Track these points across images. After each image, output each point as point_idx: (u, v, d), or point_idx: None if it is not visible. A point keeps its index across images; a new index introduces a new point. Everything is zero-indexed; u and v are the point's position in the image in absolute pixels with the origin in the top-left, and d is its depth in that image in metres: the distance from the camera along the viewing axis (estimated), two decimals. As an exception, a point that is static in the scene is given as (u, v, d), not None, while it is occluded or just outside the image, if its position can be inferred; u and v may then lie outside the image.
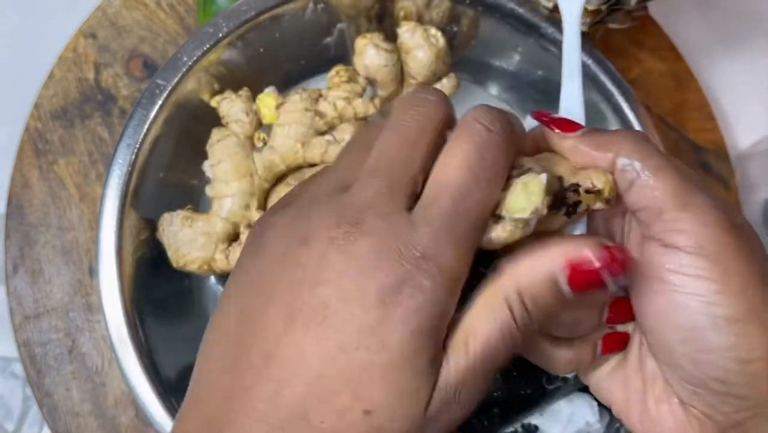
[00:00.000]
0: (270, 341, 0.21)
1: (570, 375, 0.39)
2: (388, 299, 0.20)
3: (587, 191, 0.24)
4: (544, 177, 0.23)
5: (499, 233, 0.23)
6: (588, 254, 0.22)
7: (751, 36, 0.58)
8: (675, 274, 0.23)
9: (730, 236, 0.23)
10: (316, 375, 0.20)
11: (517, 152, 0.24)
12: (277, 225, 0.23)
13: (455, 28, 0.45)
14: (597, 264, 0.22)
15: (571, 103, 0.31)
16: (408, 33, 0.41)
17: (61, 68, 0.50)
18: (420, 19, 0.44)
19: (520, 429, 0.40)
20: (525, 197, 0.22)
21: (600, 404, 0.41)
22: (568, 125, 0.26)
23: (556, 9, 0.43)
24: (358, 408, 0.20)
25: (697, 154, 0.53)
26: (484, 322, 0.22)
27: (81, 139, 0.49)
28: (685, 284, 0.23)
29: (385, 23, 0.44)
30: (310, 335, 0.20)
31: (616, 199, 0.25)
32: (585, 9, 0.42)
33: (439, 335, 0.21)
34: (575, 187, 0.24)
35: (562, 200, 0.24)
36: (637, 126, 0.42)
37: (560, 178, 0.24)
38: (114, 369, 0.46)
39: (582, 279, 0.22)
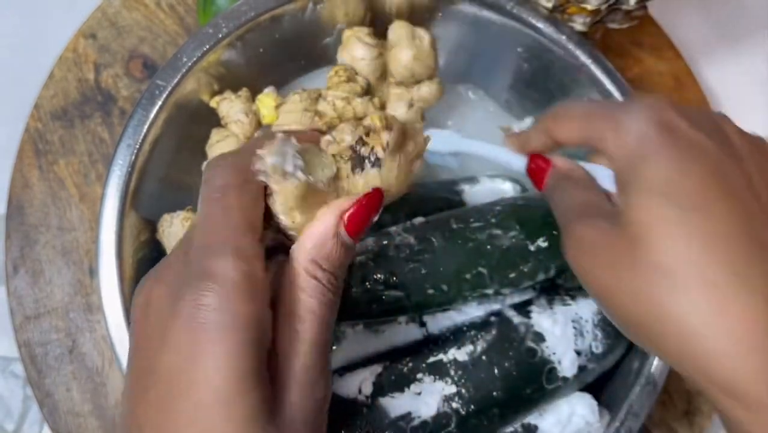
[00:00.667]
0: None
1: (570, 375, 0.39)
2: (192, 336, 0.23)
3: (367, 134, 0.27)
4: (279, 134, 0.25)
5: (278, 196, 0.25)
6: (353, 201, 0.26)
7: (750, 35, 0.58)
8: None
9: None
10: None
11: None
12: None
13: (449, 27, 0.45)
14: (364, 203, 0.26)
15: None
16: (394, 31, 0.41)
17: (61, 69, 0.50)
18: (410, 19, 0.43)
19: (519, 429, 0.40)
20: (272, 148, 0.25)
21: (600, 404, 0.41)
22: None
23: (555, 9, 0.43)
24: None
25: (696, 153, 0.53)
26: (300, 305, 0.24)
27: (81, 140, 0.50)
28: None
29: (378, 25, 0.44)
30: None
31: (396, 125, 0.28)
32: (585, 9, 0.42)
33: (256, 339, 0.23)
34: (360, 139, 0.27)
35: (360, 159, 0.27)
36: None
37: (351, 147, 0.27)
38: (114, 369, 0.46)
39: (357, 223, 0.26)
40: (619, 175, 0.27)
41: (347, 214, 0.26)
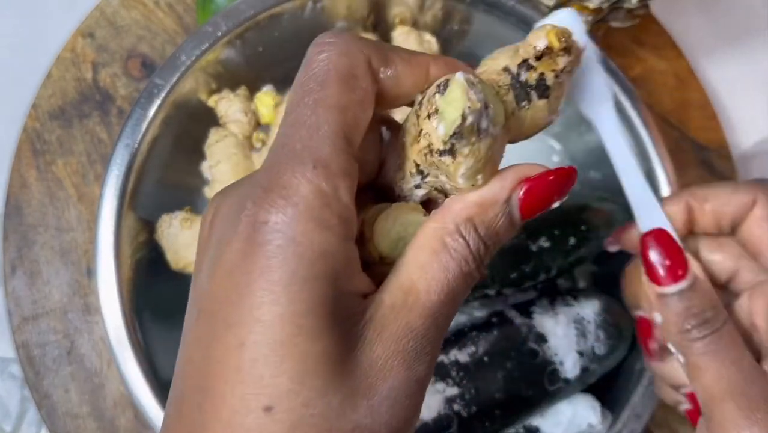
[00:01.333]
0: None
1: (572, 376, 0.39)
2: (249, 246, 0.19)
3: (538, 57, 0.21)
4: (459, 75, 0.19)
5: (462, 163, 0.20)
6: (541, 172, 0.21)
7: (753, 34, 0.58)
8: None
9: None
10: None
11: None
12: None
13: (449, 27, 0.45)
14: (552, 177, 0.21)
15: (645, 205, 0.28)
16: (402, 36, 0.41)
17: (59, 68, 0.50)
18: (415, 25, 0.44)
19: (521, 431, 0.40)
20: (452, 110, 0.19)
21: (602, 405, 0.40)
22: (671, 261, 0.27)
23: (556, 7, 0.43)
24: None
25: (699, 153, 0.53)
26: (434, 264, 0.20)
27: (79, 140, 0.49)
28: None
29: (380, 30, 0.44)
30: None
31: (576, 46, 0.22)
32: (586, 7, 0.42)
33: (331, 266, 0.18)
34: (525, 64, 0.21)
35: (525, 87, 0.21)
36: (639, 125, 0.42)
37: (506, 69, 0.22)
38: (113, 370, 0.46)
39: (534, 199, 0.21)
40: None
41: (527, 186, 0.21)
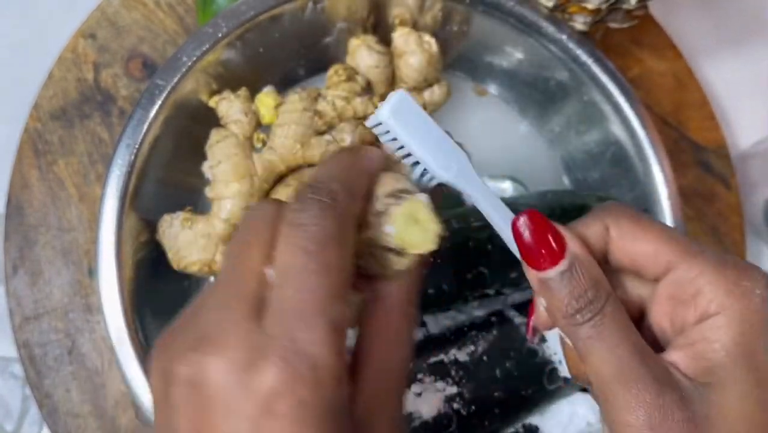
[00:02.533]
0: None
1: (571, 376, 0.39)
2: (261, 428, 0.19)
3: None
4: (423, 198, 0.23)
5: (405, 263, 0.23)
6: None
7: (751, 35, 0.58)
8: None
9: None
10: None
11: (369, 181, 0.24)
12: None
13: (448, 27, 0.45)
14: None
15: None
16: (402, 38, 0.41)
17: (61, 68, 0.50)
18: (414, 26, 0.44)
19: (521, 430, 0.40)
20: (419, 231, 0.23)
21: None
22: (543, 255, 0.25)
23: (556, 8, 0.43)
24: None
25: (697, 153, 0.53)
26: (396, 351, 0.23)
27: (80, 140, 0.49)
28: None
29: (380, 31, 0.44)
30: None
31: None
32: (585, 8, 0.42)
33: (342, 425, 0.20)
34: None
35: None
36: (637, 125, 0.42)
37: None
38: (114, 370, 0.46)
39: None
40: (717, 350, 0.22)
41: None
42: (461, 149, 0.28)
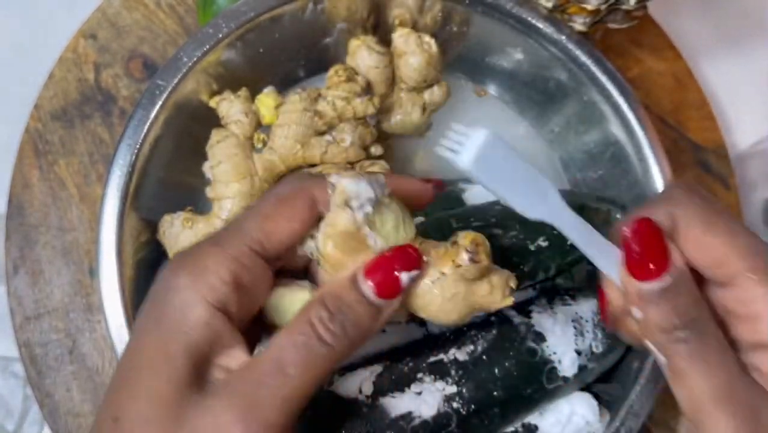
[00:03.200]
0: None
1: (570, 375, 0.39)
2: None
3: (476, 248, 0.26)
4: (306, 294, 0.25)
5: (320, 246, 0.25)
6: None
7: (750, 35, 0.58)
8: None
9: None
10: None
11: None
12: None
13: (448, 28, 0.45)
14: (389, 257, 0.24)
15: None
16: (402, 38, 0.41)
17: (61, 69, 0.50)
18: (414, 26, 0.44)
19: (520, 429, 0.40)
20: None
21: (600, 404, 0.41)
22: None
23: (555, 9, 0.43)
24: None
25: (696, 153, 0.53)
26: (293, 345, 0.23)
27: (81, 140, 0.50)
28: None
29: (380, 32, 0.45)
30: None
31: None
32: (585, 8, 0.42)
33: None
34: (474, 252, 0.26)
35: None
36: (636, 126, 0.42)
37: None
38: (114, 369, 0.46)
39: (378, 279, 0.24)
40: None
41: (368, 265, 0.24)
42: (547, 182, 0.27)
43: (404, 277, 0.24)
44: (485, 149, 0.25)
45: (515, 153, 0.26)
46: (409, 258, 0.25)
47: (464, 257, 0.25)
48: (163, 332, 0.23)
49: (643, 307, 0.24)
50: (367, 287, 0.24)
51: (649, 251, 0.23)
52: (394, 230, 0.25)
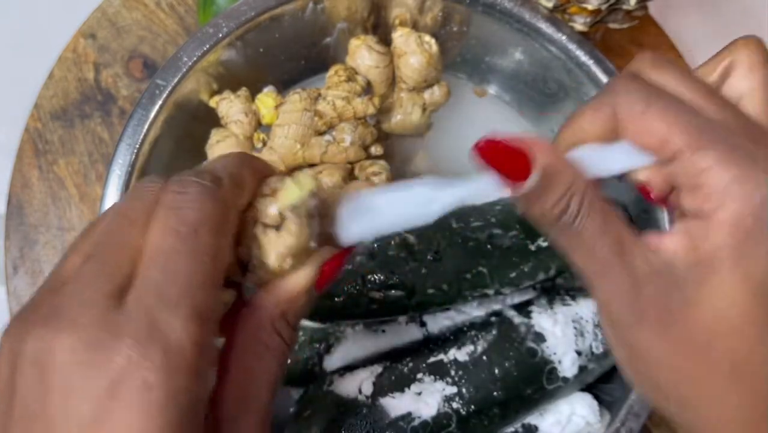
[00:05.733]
0: None
1: (570, 375, 0.39)
2: (104, 409, 0.18)
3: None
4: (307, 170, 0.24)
5: (286, 239, 0.23)
6: (337, 253, 0.24)
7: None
8: None
9: None
10: None
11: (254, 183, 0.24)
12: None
13: (448, 27, 0.45)
14: (343, 257, 0.24)
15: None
16: (402, 38, 0.41)
17: (61, 68, 0.50)
18: (415, 26, 0.44)
19: (520, 429, 0.40)
20: (297, 188, 0.23)
21: (600, 404, 0.41)
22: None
23: (556, 9, 0.43)
24: None
25: (697, 153, 0.53)
26: (260, 363, 0.22)
27: (81, 140, 0.49)
28: None
29: (380, 32, 0.44)
30: None
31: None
32: (585, 8, 0.42)
33: (191, 417, 0.19)
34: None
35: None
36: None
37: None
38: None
39: (327, 277, 0.24)
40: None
41: (325, 266, 0.24)
42: (416, 183, 0.26)
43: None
44: (351, 213, 0.25)
45: (381, 190, 0.26)
46: (350, 252, 0.25)
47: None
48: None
49: (527, 208, 0.24)
50: (314, 288, 0.24)
51: (503, 163, 0.24)
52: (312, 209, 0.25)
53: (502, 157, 0.24)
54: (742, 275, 0.22)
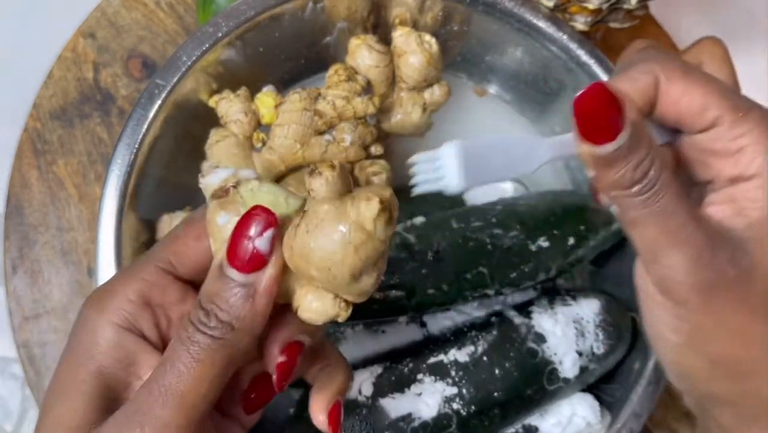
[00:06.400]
0: None
1: (571, 376, 0.39)
2: None
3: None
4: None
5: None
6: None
7: (751, 35, 0.58)
8: None
9: None
10: None
11: None
12: None
13: (448, 27, 0.45)
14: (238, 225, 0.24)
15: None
16: (402, 37, 0.41)
17: (60, 68, 0.50)
18: (415, 25, 0.44)
19: (521, 430, 0.40)
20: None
21: (601, 405, 0.41)
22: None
23: (556, 8, 0.43)
24: None
25: (697, 153, 0.53)
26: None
27: (80, 140, 0.49)
28: None
29: (380, 31, 0.44)
30: None
31: None
32: (586, 8, 0.42)
33: None
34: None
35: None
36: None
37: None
38: (113, 370, 0.46)
39: (234, 251, 0.24)
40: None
41: (227, 249, 0.24)
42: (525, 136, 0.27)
43: (260, 243, 0.23)
44: (463, 159, 0.25)
45: (485, 138, 0.26)
46: (251, 219, 0.24)
47: (308, 178, 0.25)
48: (73, 360, 0.24)
49: (600, 168, 0.24)
50: (231, 270, 0.23)
51: (597, 116, 0.23)
52: (271, 205, 0.25)
53: (598, 110, 0.23)
54: None
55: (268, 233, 0.23)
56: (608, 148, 0.23)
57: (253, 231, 0.23)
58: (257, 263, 0.23)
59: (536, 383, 0.38)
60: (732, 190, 0.24)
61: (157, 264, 0.25)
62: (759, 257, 0.23)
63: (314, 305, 0.24)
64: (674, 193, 0.23)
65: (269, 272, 0.23)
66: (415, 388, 0.37)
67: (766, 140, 0.23)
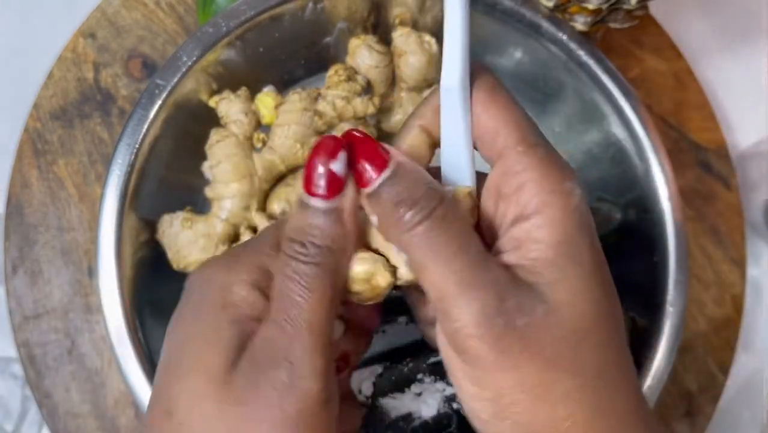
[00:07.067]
0: None
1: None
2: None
3: None
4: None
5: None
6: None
7: (751, 35, 0.58)
8: None
9: None
10: None
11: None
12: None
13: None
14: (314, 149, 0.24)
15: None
16: (402, 37, 0.41)
17: (61, 68, 0.50)
18: (415, 25, 0.44)
19: (520, 430, 0.40)
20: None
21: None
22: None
23: (556, 8, 0.43)
24: None
25: (697, 153, 0.53)
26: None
27: (80, 140, 0.49)
28: None
29: (380, 31, 0.44)
30: None
31: None
32: (586, 8, 0.42)
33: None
34: None
35: None
36: (638, 126, 0.42)
37: None
38: (113, 370, 0.46)
39: (308, 176, 0.24)
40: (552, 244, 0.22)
41: (303, 182, 0.24)
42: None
43: (335, 166, 0.23)
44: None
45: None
46: (327, 146, 0.23)
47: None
48: (206, 312, 0.24)
49: (374, 207, 0.24)
50: (314, 199, 0.23)
51: (364, 156, 0.23)
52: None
53: (364, 148, 0.23)
54: (578, 279, 0.22)
55: (342, 154, 0.23)
56: (375, 183, 0.23)
57: (326, 157, 0.23)
58: (337, 186, 0.23)
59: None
60: (515, 231, 0.23)
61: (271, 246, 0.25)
62: (554, 303, 0.21)
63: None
64: (456, 232, 0.22)
65: (350, 192, 0.23)
66: (415, 388, 0.37)
67: (548, 178, 0.22)
